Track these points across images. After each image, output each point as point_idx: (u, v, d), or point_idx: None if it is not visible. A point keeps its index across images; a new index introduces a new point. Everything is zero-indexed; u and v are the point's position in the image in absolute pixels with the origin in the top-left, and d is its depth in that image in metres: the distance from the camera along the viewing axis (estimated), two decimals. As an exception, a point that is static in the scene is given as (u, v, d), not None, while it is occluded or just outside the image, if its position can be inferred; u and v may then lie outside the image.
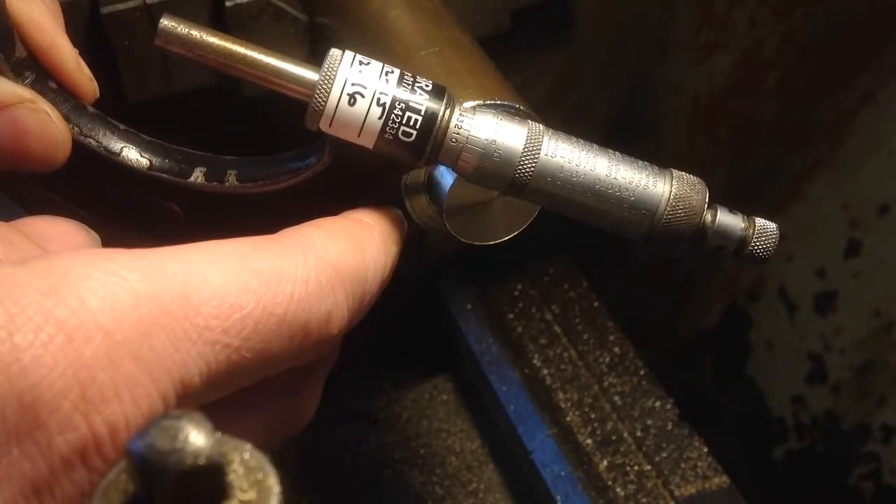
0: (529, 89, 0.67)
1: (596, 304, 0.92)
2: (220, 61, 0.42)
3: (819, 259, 1.01)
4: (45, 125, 0.41)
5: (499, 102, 0.53)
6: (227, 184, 0.46)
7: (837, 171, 0.98)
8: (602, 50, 0.84)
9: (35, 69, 0.43)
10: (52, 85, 0.44)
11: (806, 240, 1.01)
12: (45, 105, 0.42)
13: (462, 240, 0.53)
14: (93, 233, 0.41)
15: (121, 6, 0.60)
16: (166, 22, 0.42)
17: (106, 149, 0.45)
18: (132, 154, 0.45)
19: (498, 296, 0.93)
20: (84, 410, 0.29)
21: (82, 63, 0.44)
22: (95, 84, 0.45)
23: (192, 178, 0.46)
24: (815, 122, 0.98)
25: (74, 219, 0.41)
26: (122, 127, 0.46)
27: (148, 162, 0.46)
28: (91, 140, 0.45)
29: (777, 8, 0.94)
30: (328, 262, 0.39)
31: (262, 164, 0.47)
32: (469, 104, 0.53)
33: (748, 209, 0.47)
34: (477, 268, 0.94)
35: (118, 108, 0.65)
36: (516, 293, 0.93)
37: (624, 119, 0.94)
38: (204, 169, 0.46)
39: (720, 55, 0.97)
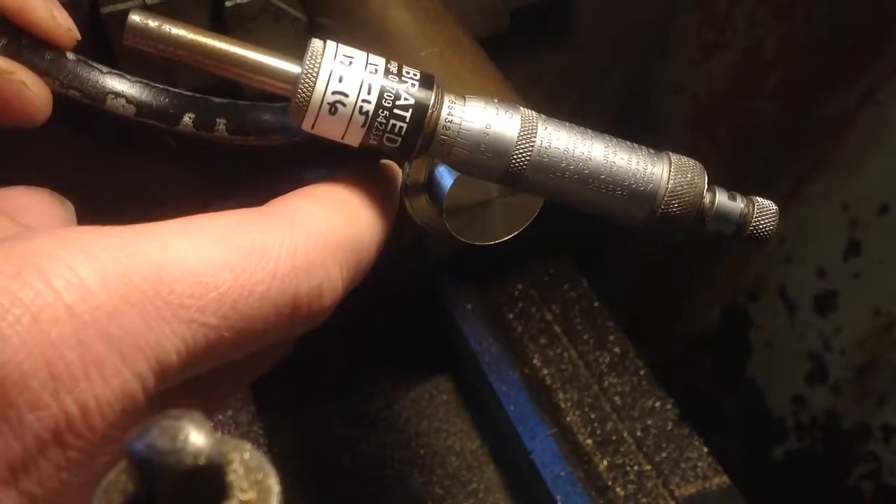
0: (529, 89, 0.67)
1: (596, 304, 0.92)
2: (195, 58, 0.40)
3: (819, 259, 1.01)
4: (23, 95, 0.41)
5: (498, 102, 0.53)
6: (217, 133, 0.45)
7: (837, 171, 0.98)
8: (602, 50, 0.84)
9: (8, 33, 0.42)
10: (27, 41, 0.42)
11: (806, 240, 1.01)
12: (22, 74, 0.41)
13: (462, 240, 0.53)
14: (67, 202, 0.41)
15: (121, 6, 0.60)
16: (136, 18, 0.39)
17: (90, 97, 0.44)
18: (118, 101, 0.44)
19: (498, 296, 0.93)
20: (53, 389, 0.29)
21: (58, 13, 0.43)
22: (75, 31, 0.43)
23: (180, 125, 0.45)
24: (815, 122, 0.98)
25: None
26: (105, 70, 0.44)
27: (135, 108, 0.45)
28: (74, 91, 0.44)
29: (777, 8, 0.94)
30: (318, 233, 0.38)
31: (254, 115, 0.45)
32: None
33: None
34: (477, 268, 0.94)
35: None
36: (516, 293, 0.93)
37: (624, 119, 0.94)
38: (193, 115, 0.45)
39: (720, 55, 0.97)
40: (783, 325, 1.05)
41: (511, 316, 0.91)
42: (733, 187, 0.46)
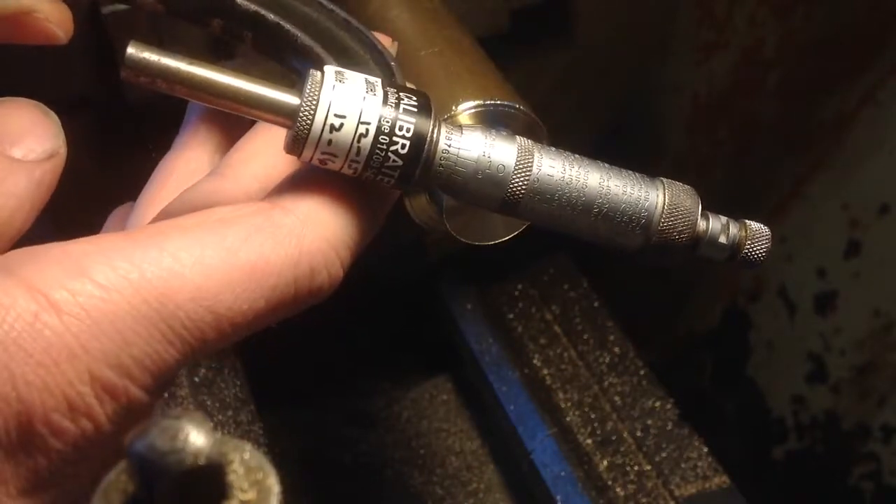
0: (529, 89, 0.68)
1: (596, 304, 0.92)
2: (192, 94, 0.39)
3: (819, 259, 1.01)
4: (46, 29, 0.42)
5: (498, 102, 0.53)
6: (245, 41, 0.45)
7: (837, 171, 0.98)
8: (602, 50, 0.84)
9: None
10: None
11: (806, 240, 1.01)
12: (44, 9, 0.42)
13: (462, 240, 0.53)
14: (52, 114, 0.41)
15: (121, 6, 0.60)
16: (133, 51, 0.38)
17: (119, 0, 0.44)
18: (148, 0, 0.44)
19: (498, 296, 0.93)
20: (71, 417, 0.34)
21: None
22: None
23: (209, 28, 0.45)
24: (815, 122, 0.98)
25: None
26: None
27: (164, 6, 0.45)
28: None
29: (777, 8, 0.94)
30: (324, 238, 0.39)
31: (278, 44, 0.45)
32: (466, 104, 0.53)
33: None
34: (477, 268, 0.94)
35: (117, 108, 0.65)
36: (516, 293, 0.93)
37: (624, 119, 0.94)
38: (221, 22, 0.45)
39: (720, 55, 0.97)
40: (783, 325, 1.05)
41: (511, 316, 0.91)
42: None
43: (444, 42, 0.58)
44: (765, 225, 0.45)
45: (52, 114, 0.41)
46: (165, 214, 0.42)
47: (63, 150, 0.40)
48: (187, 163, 0.48)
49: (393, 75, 0.44)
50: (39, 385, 0.33)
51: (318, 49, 0.44)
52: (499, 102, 0.53)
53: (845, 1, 0.92)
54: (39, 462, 0.34)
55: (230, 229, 0.38)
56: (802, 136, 0.99)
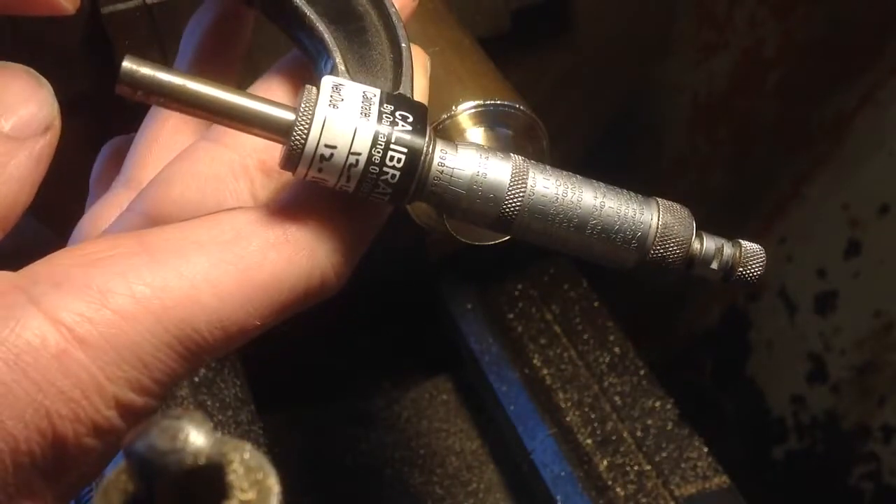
0: (529, 89, 0.68)
1: (596, 304, 0.92)
2: (187, 111, 0.39)
3: (819, 259, 1.01)
4: (53, 2, 0.42)
5: (498, 102, 0.53)
6: (253, 5, 0.45)
7: (837, 171, 0.98)
8: (602, 50, 0.84)
9: None
10: None
11: (806, 240, 1.01)
12: None
13: (462, 240, 0.53)
14: (44, 82, 0.40)
15: (121, 6, 0.60)
16: (128, 65, 0.38)
17: None
18: None
19: (498, 296, 0.93)
20: (99, 437, 0.36)
21: None
22: None
23: None
24: (815, 122, 0.98)
25: None
26: None
27: None
28: None
29: (777, 8, 0.94)
30: (336, 249, 0.40)
31: (286, 17, 0.44)
32: (466, 104, 0.53)
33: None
34: (477, 268, 0.94)
35: (117, 108, 0.65)
36: (516, 293, 0.93)
37: (624, 119, 0.94)
38: None
39: (720, 55, 0.97)
40: (783, 325, 1.06)
41: (511, 316, 0.91)
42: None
43: (445, 42, 0.58)
44: (760, 245, 0.45)
45: (44, 79, 0.40)
46: (164, 197, 0.42)
47: (58, 122, 0.40)
48: None
49: (401, 63, 0.43)
50: (71, 417, 0.36)
51: (327, 35, 0.43)
52: (499, 102, 0.53)
53: (845, 1, 0.92)
54: (71, 476, 0.37)
55: (246, 250, 0.38)
56: (802, 136, 0.99)
